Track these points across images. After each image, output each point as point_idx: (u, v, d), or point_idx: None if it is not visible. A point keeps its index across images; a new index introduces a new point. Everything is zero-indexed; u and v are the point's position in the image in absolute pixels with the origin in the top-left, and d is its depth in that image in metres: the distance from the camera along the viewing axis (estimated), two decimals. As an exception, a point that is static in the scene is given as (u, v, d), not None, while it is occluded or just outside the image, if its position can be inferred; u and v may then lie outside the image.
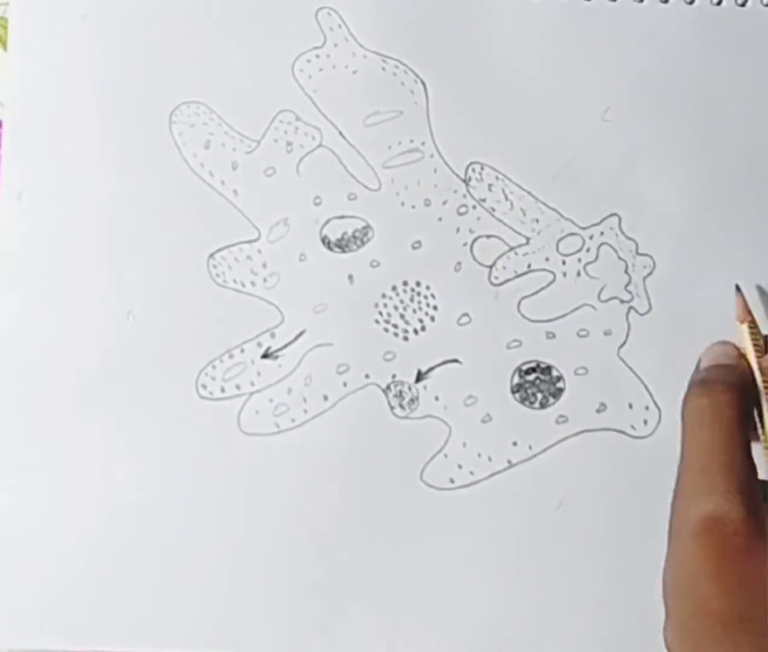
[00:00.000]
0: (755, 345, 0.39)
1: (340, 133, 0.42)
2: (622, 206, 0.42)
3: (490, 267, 0.42)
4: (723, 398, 0.36)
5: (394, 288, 0.42)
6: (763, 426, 0.37)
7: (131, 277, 0.42)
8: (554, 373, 0.42)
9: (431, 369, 0.42)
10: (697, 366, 0.40)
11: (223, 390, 0.42)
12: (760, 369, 0.38)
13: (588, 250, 0.42)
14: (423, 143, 0.42)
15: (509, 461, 0.42)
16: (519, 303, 0.42)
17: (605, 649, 0.41)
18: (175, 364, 0.41)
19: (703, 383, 0.38)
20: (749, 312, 0.40)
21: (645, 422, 0.42)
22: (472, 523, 0.41)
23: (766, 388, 0.37)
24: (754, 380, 0.38)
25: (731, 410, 0.36)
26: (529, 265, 0.42)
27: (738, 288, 0.42)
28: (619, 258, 0.42)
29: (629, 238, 0.42)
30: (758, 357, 0.38)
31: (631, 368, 0.42)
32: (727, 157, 0.43)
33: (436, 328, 0.42)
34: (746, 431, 0.36)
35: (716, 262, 0.42)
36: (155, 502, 0.41)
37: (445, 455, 0.41)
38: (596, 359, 0.42)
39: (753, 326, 0.40)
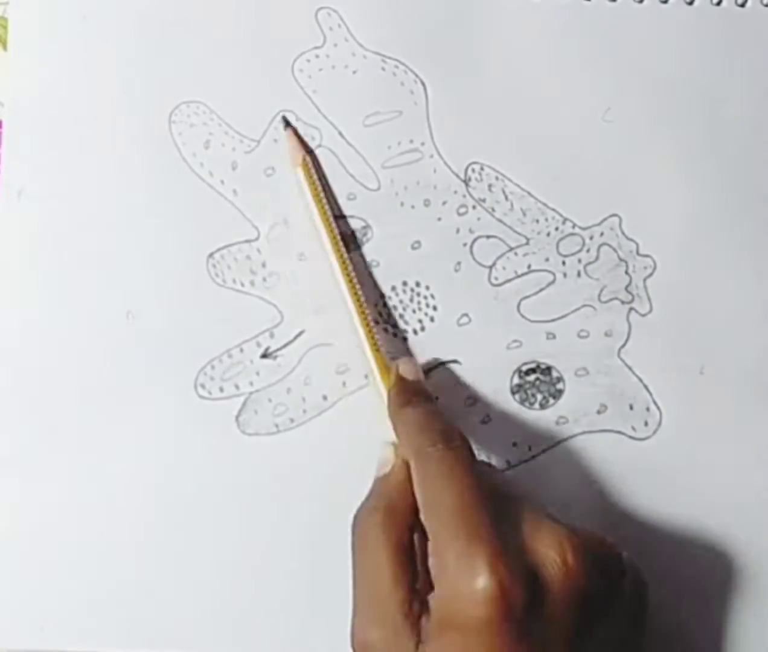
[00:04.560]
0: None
1: (340, 133, 0.42)
2: (623, 207, 0.42)
3: (490, 267, 0.42)
4: None
5: (393, 288, 0.42)
6: None
7: (131, 277, 0.42)
8: (554, 374, 0.42)
9: (431, 370, 0.42)
10: None
11: (221, 390, 0.42)
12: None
13: (588, 250, 0.42)
14: (423, 143, 0.42)
15: (509, 462, 0.42)
16: (519, 303, 0.42)
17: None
18: (174, 364, 0.41)
19: None
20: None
21: (646, 423, 0.42)
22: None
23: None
24: None
25: None
26: (529, 266, 0.42)
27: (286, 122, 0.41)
28: (620, 259, 0.42)
29: (630, 239, 0.42)
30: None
31: (631, 369, 0.42)
32: (727, 157, 0.42)
33: (436, 328, 0.42)
34: None
35: (717, 262, 0.42)
36: (154, 502, 0.41)
37: (445, 456, 0.41)
38: (597, 360, 0.42)
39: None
